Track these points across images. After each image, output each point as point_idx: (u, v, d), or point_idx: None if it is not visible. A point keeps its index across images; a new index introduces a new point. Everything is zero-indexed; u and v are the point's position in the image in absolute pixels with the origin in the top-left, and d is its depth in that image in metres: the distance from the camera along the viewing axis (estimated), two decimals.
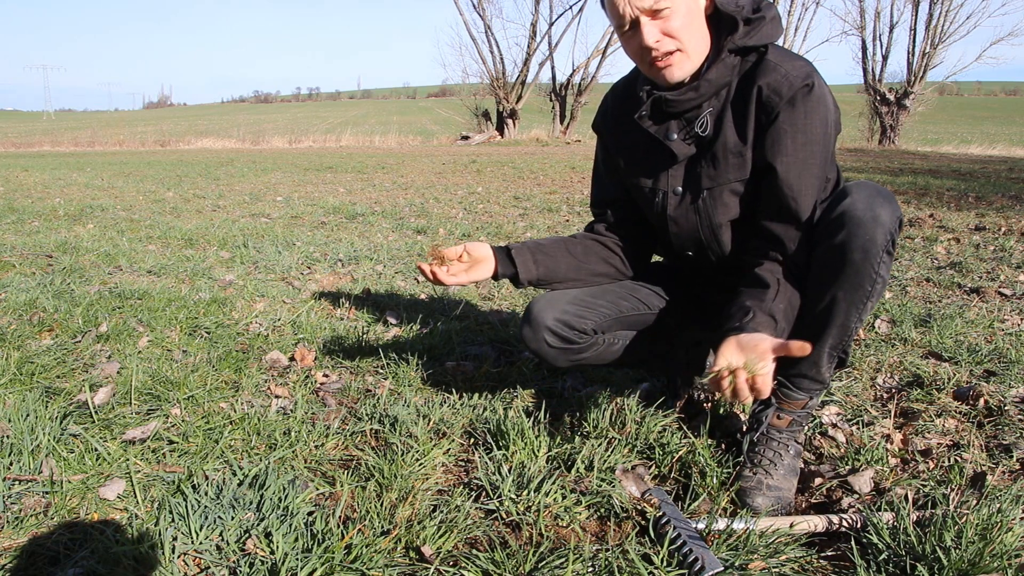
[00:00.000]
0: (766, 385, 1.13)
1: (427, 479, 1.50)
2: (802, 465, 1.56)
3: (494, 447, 1.60)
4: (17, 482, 1.44)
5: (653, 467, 1.55)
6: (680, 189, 1.52)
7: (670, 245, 1.63)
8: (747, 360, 1.15)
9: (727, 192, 1.46)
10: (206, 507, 1.34)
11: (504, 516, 1.36)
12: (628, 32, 1.36)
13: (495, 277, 1.59)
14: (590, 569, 1.21)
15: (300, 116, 60.64)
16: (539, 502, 1.36)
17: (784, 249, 1.41)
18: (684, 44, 1.35)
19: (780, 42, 1.42)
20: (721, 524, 1.30)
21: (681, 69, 1.38)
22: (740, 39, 1.36)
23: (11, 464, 1.50)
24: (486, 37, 22.22)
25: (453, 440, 1.66)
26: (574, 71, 22.19)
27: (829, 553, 1.27)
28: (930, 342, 2.33)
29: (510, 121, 21.77)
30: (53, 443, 1.59)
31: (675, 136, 1.47)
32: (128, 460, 1.56)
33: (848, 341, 1.43)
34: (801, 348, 1.11)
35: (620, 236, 1.68)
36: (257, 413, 1.78)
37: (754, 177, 1.43)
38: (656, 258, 1.80)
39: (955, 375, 2.00)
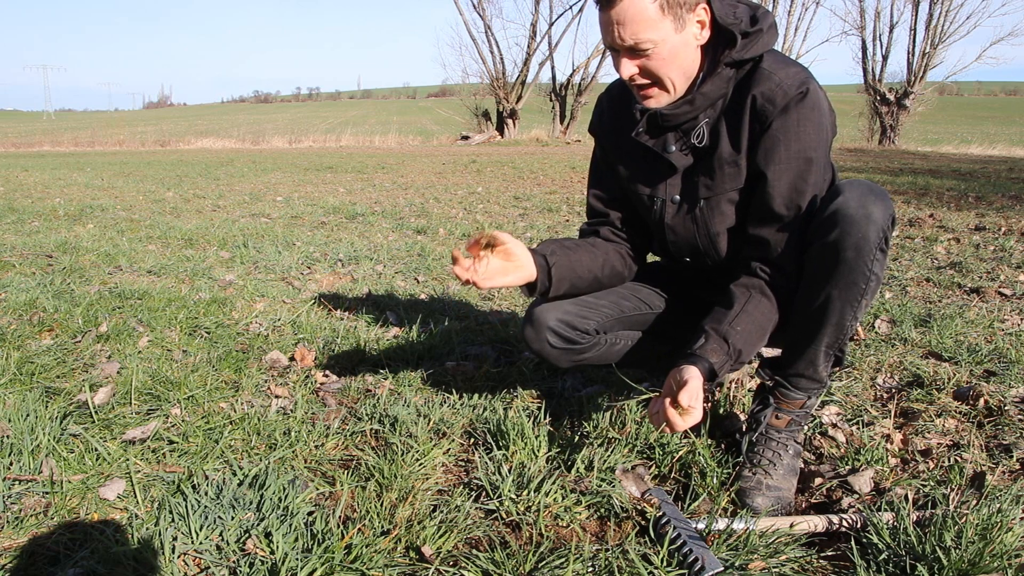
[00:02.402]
0: (675, 422, 1.23)
1: (427, 479, 1.50)
2: (802, 465, 1.56)
3: (494, 447, 1.60)
4: (17, 482, 1.44)
5: (653, 467, 1.55)
6: (678, 198, 1.52)
7: (668, 250, 1.64)
8: (673, 393, 1.25)
9: (724, 201, 1.47)
10: (206, 507, 1.34)
11: (504, 516, 1.36)
12: (612, 54, 1.38)
13: (530, 290, 1.51)
14: (590, 569, 1.21)
15: (300, 116, 60.64)
16: (539, 502, 1.36)
17: (774, 256, 1.42)
18: (662, 80, 1.36)
19: (779, 43, 1.42)
20: (721, 524, 1.30)
21: (658, 101, 1.40)
22: (737, 53, 1.36)
23: (11, 464, 1.50)
24: (486, 37, 22.24)
25: (453, 440, 1.66)
26: (574, 71, 22.21)
27: (829, 553, 1.27)
28: (930, 342, 2.33)
29: (510, 121, 21.77)
30: (53, 443, 1.60)
31: (673, 148, 1.47)
32: (128, 460, 1.56)
33: (844, 340, 1.43)
34: (683, 407, 1.23)
35: (626, 237, 1.68)
36: (257, 413, 1.78)
37: (749, 185, 1.43)
38: (653, 257, 1.80)
39: (955, 375, 2.00)
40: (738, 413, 1.78)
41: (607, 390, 1.92)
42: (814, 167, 1.38)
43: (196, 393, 1.91)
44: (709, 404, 1.84)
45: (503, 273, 1.40)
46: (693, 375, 1.26)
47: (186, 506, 1.34)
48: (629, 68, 1.35)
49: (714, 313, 1.41)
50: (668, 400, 1.25)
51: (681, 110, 1.41)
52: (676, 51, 1.33)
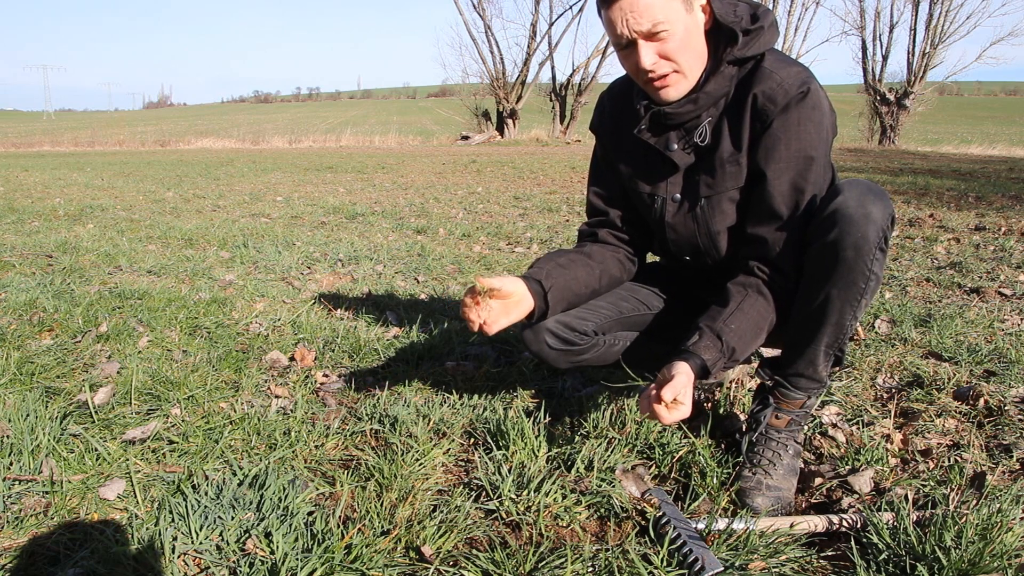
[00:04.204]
0: (660, 415, 1.24)
1: (427, 479, 1.50)
2: (802, 465, 1.56)
3: (494, 447, 1.60)
4: (17, 482, 1.44)
5: (653, 467, 1.55)
6: (679, 196, 1.52)
7: (668, 249, 1.64)
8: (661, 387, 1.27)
9: (725, 200, 1.47)
10: (206, 507, 1.34)
11: (504, 516, 1.36)
12: (625, 51, 1.37)
13: (529, 316, 1.50)
14: (590, 569, 1.21)
15: (300, 116, 60.65)
16: (539, 502, 1.36)
17: (772, 256, 1.42)
18: (681, 65, 1.36)
19: (779, 43, 1.42)
20: (721, 524, 1.30)
21: (677, 89, 1.39)
22: (739, 50, 1.36)
23: (11, 464, 1.50)
24: (486, 37, 22.25)
25: (453, 440, 1.66)
26: (574, 71, 22.22)
27: (829, 553, 1.27)
28: (930, 342, 2.33)
29: (510, 121, 21.77)
30: (53, 443, 1.59)
31: (675, 146, 1.47)
32: (128, 460, 1.56)
33: (844, 339, 1.43)
34: (666, 401, 1.24)
35: (626, 237, 1.68)
36: (257, 413, 1.78)
37: (749, 183, 1.44)
38: (653, 257, 1.80)
39: (955, 375, 2.00)
40: (738, 413, 1.78)
41: (607, 390, 1.92)
42: (814, 166, 1.38)
43: (196, 393, 1.91)
44: (709, 404, 1.84)
45: (505, 314, 1.42)
46: (681, 370, 1.27)
47: (186, 506, 1.34)
48: (649, 55, 1.33)
49: (710, 311, 1.42)
50: (652, 393, 1.26)
51: (685, 109, 1.41)
52: (690, 32, 1.34)
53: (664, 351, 1.78)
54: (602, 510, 1.37)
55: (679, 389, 1.24)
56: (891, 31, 19.89)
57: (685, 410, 1.24)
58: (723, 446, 1.63)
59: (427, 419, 1.75)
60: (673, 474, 1.53)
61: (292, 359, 2.23)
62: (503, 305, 1.41)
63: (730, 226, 1.50)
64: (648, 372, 2.00)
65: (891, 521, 1.28)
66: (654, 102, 1.44)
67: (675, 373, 1.27)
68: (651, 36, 1.32)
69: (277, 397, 1.93)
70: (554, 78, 22.49)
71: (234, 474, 1.48)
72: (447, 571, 1.20)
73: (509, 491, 1.40)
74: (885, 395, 1.95)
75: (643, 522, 1.33)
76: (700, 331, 1.36)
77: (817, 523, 1.32)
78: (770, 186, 1.39)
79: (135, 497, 1.42)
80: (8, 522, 1.33)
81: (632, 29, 1.31)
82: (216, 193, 7.29)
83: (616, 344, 1.67)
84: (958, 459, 1.57)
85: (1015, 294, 3.02)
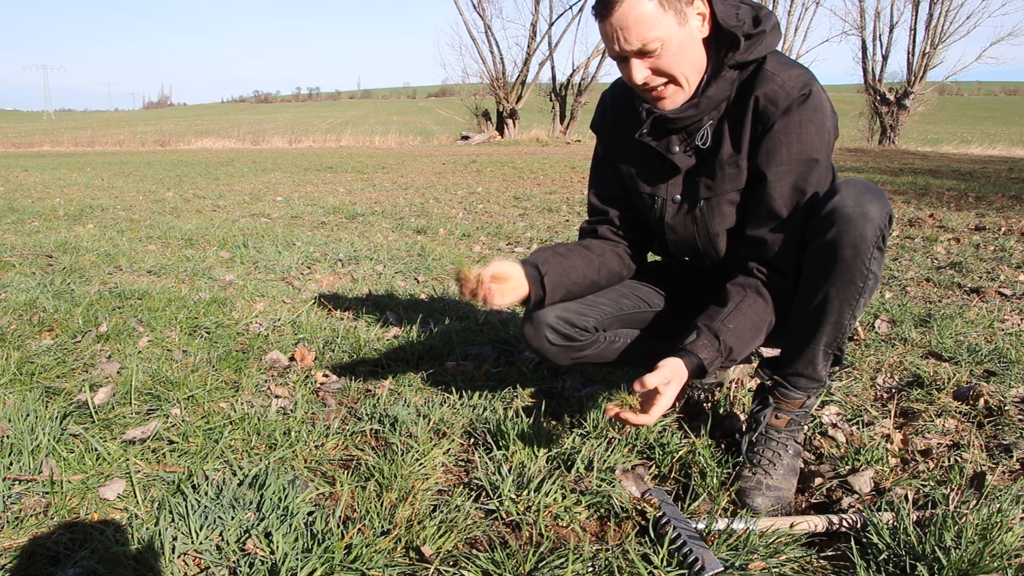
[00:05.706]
0: (628, 419, 1.29)
1: (427, 479, 1.50)
2: (802, 465, 1.56)
3: (494, 447, 1.60)
4: (17, 482, 1.44)
5: (653, 467, 1.55)
6: (679, 198, 1.52)
7: (668, 249, 1.64)
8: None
9: (725, 202, 1.47)
10: (206, 507, 1.34)
11: (504, 516, 1.36)
12: (620, 63, 1.38)
13: (526, 301, 1.53)
14: (590, 569, 1.21)
15: (300, 116, 60.66)
16: (539, 502, 1.36)
17: (771, 256, 1.42)
18: (676, 77, 1.36)
19: (779, 44, 1.42)
20: (721, 524, 1.30)
21: (672, 100, 1.40)
22: (741, 55, 1.36)
23: (11, 464, 1.50)
24: (486, 37, 22.23)
25: (453, 440, 1.66)
26: (574, 71, 22.19)
27: (829, 553, 1.27)
28: (930, 342, 2.33)
29: (510, 121, 21.76)
30: (53, 443, 1.59)
31: (676, 149, 1.47)
32: (128, 460, 1.56)
33: (843, 339, 1.43)
34: (648, 387, 1.27)
35: (626, 235, 1.68)
36: (257, 413, 1.78)
37: (749, 186, 1.44)
38: (654, 256, 1.81)
39: (955, 375, 2.00)
40: (738, 413, 1.78)
41: (607, 390, 1.92)
42: (816, 169, 1.38)
43: (196, 393, 1.91)
44: (709, 404, 1.84)
45: (501, 295, 1.45)
46: (668, 364, 1.30)
47: (186, 506, 1.34)
48: (641, 71, 1.34)
49: (708, 310, 1.42)
50: (617, 405, 1.29)
51: (686, 113, 1.41)
52: (684, 45, 1.33)
53: (665, 348, 1.79)
54: (602, 510, 1.37)
55: (661, 379, 1.27)
56: (891, 31, 19.90)
57: (664, 401, 1.26)
58: (723, 446, 1.63)
59: (427, 419, 1.75)
60: (673, 474, 1.53)
61: (292, 359, 2.23)
62: (499, 288, 1.44)
63: (729, 228, 1.50)
64: (648, 370, 2.00)
65: (891, 521, 1.28)
66: (654, 107, 1.44)
67: (661, 366, 1.29)
68: (642, 54, 1.32)
69: (277, 397, 1.93)
70: (554, 78, 22.48)
71: (234, 474, 1.48)
72: (447, 571, 1.20)
73: (509, 491, 1.40)
74: (885, 395, 1.95)
75: (643, 522, 1.33)
76: (698, 330, 1.37)
77: (817, 523, 1.32)
78: (771, 188, 1.39)
79: (135, 497, 1.42)
80: (8, 522, 1.33)
81: (622, 47, 1.31)
82: (216, 193, 7.29)
83: (617, 341, 1.67)
84: (958, 459, 1.57)
85: (1015, 294, 3.02)
